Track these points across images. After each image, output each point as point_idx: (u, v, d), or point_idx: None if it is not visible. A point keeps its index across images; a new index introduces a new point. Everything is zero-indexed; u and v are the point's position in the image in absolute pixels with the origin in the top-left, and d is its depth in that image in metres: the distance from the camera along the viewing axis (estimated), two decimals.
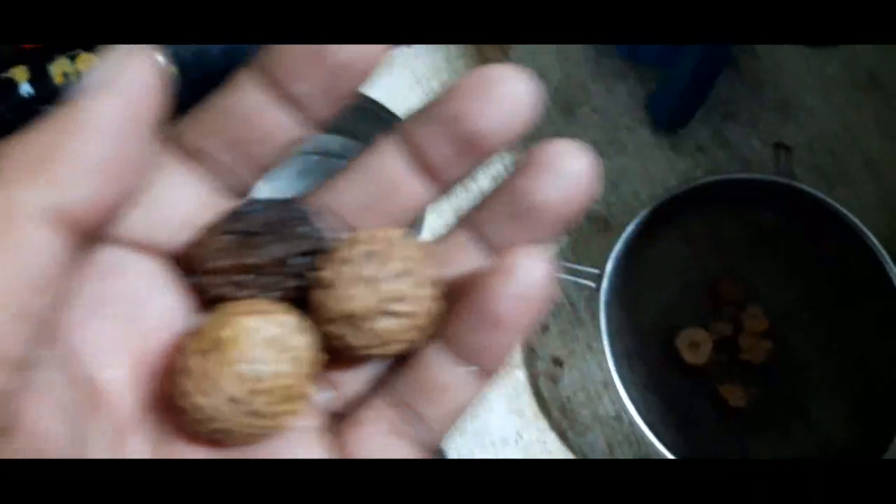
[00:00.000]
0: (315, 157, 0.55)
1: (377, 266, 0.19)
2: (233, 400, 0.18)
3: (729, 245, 0.52)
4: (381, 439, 0.19)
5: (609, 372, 0.50)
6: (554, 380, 0.50)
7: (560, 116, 0.58)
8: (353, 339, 0.19)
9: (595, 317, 0.51)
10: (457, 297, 0.19)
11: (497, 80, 0.20)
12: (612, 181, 0.56)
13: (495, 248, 0.21)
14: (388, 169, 0.21)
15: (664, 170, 0.56)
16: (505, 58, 0.60)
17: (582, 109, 0.58)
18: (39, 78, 0.51)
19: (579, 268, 0.45)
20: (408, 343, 0.20)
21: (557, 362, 0.50)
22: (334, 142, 0.55)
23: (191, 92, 0.52)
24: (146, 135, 0.17)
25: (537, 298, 0.19)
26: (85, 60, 0.51)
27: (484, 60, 0.60)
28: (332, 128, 0.55)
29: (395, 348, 0.20)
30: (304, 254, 0.20)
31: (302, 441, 0.20)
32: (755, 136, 0.57)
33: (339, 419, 0.20)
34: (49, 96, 0.51)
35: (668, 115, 0.56)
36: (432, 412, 0.20)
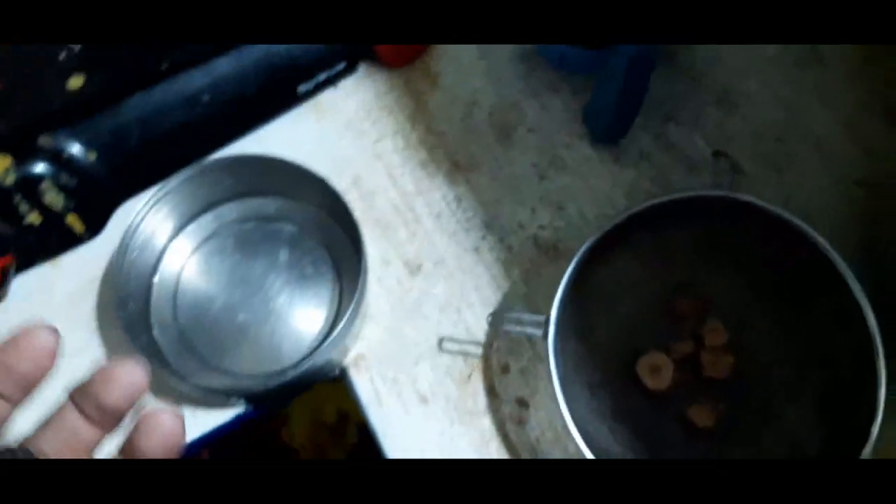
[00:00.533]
0: (252, 224, 0.53)
1: None
2: None
3: (680, 259, 0.50)
4: None
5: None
6: (521, 422, 0.49)
7: (497, 142, 0.56)
8: None
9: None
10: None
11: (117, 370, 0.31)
12: (556, 204, 0.54)
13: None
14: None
15: (608, 184, 0.55)
16: (434, 87, 0.58)
17: (518, 131, 0.57)
18: None
19: (525, 317, 0.44)
20: None
21: (522, 403, 0.50)
22: (270, 205, 0.54)
23: (115, 172, 0.49)
24: None
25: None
26: (0, 163, 0.49)
27: (414, 93, 0.58)
28: (266, 190, 0.54)
29: None
30: None
31: None
32: (699, 135, 0.56)
33: None
34: None
35: (606, 127, 0.54)
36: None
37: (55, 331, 0.29)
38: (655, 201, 0.47)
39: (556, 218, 0.54)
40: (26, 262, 0.52)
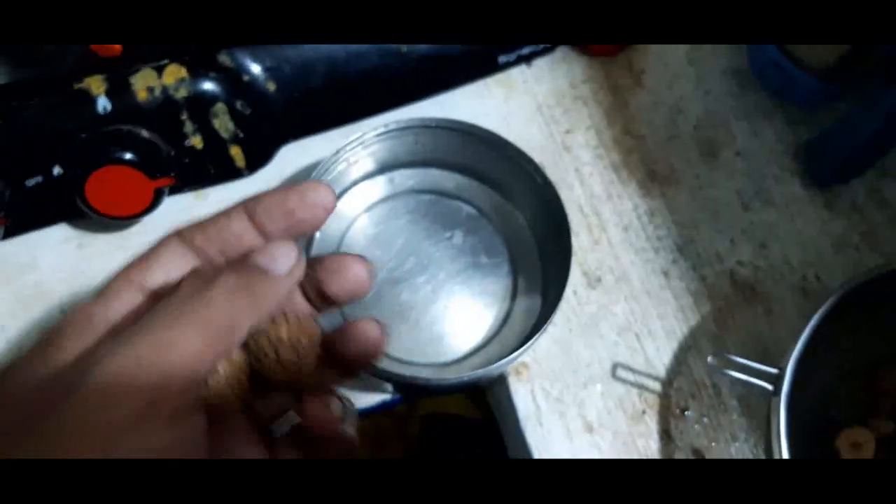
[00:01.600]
0: (428, 197, 0.48)
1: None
2: None
3: (891, 331, 0.45)
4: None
5: None
6: None
7: (700, 159, 0.51)
8: None
9: (744, 403, 0.46)
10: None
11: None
12: (758, 240, 0.49)
13: None
14: None
15: (816, 230, 0.50)
16: (637, 85, 0.53)
17: (724, 153, 0.51)
18: (119, 91, 0.43)
19: (755, 366, 0.39)
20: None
21: (698, 454, 0.44)
22: (449, 180, 0.48)
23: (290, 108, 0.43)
24: None
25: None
26: (173, 73, 0.44)
27: (613, 88, 0.53)
28: (446, 163, 0.48)
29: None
30: None
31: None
32: None
33: None
34: (130, 114, 0.43)
35: (829, 168, 0.49)
36: None
37: (332, 192, 0.29)
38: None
39: (758, 256, 0.49)
40: (175, 186, 0.46)
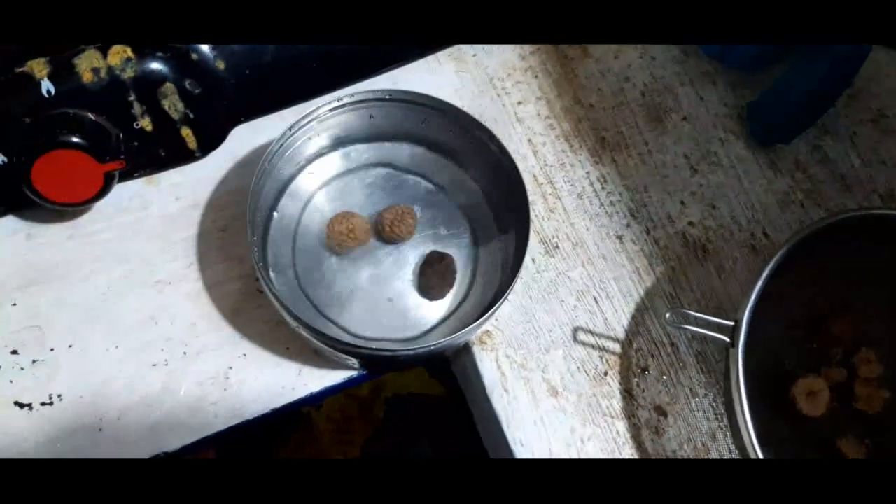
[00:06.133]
0: (384, 171, 0.48)
1: None
2: None
3: (837, 281, 0.47)
4: None
5: (716, 422, 0.46)
6: (658, 432, 0.45)
7: (648, 125, 0.52)
8: None
9: (702, 360, 0.47)
10: None
11: None
12: (708, 201, 0.50)
13: None
14: None
15: (762, 189, 0.51)
16: (584, 55, 0.54)
17: (671, 118, 0.53)
18: (63, 73, 0.42)
19: (711, 319, 0.40)
20: None
21: (660, 411, 0.46)
22: (405, 153, 0.48)
23: (241, 86, 0.44)
24: None
25: None
26: (118, 53, 0.43)
27: (562, 59, 0.53)
28: (401, 136, 0.48)
29: None
30: None
31: None
32: (855, 153, 0.53)
33: None
34: (76, 97, 0.42)
35: (774, 128, 0.51)
36: None
37: None
38: (841, 216, 0.44)
39: (707, 216, 0.50)
40: (126, 171, 0.45)
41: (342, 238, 0.44)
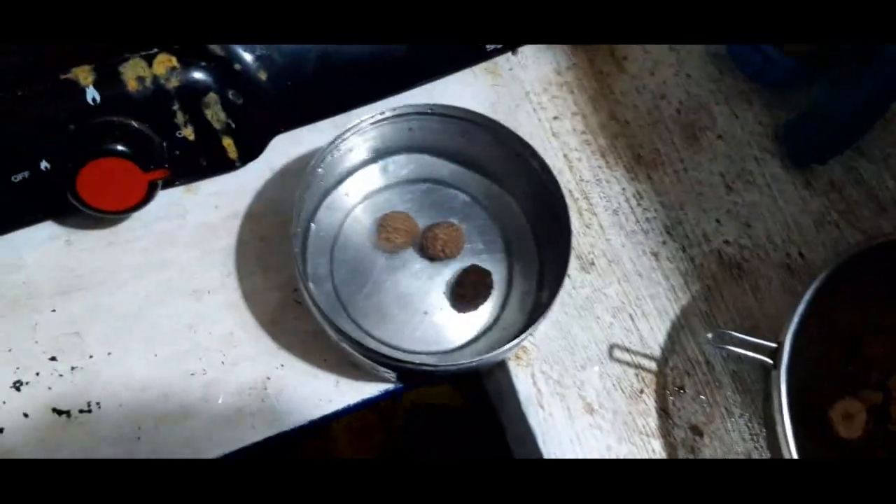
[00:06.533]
0: (423, 186, 0.48)
1: None
2: None
3: (873, 303, 0.47)
4: None
5: (752, 442, 0.46)
6: (693, 452, 0.45)
7: (684, 143, 0.52)
8: None
9: (738, 379, 0.47)
10: None
11: None
12: (743, 220, 0.50)
13: None
14: None
15: (797, 209, 0.51)
16: (620, 71, 0.54)
17: (706, 136, 0.53)
18: (109, 81, 0.42)
19: (753, 340, 0.40)
20: None
21: (696, 431, 0.46)
22: (443, 167, 0.48)
23: (282, 97, 0.44)
24: None
25: None
26: (163, 62, 0.43)
27: (597, 74, 0.53)
28: (440, 150, 0.48)
29: None
30: None
31: None
32: (889, 175, 0.53)
33: None
34: (121, 105, 0.42)
35: (810, 149, 0.51)
36: None
37: None
38: (881, 240, 0.44)
39: (743, 235, 0.50)
40: (167, 180, 0.45)
41: (394, 235, 0.45)
